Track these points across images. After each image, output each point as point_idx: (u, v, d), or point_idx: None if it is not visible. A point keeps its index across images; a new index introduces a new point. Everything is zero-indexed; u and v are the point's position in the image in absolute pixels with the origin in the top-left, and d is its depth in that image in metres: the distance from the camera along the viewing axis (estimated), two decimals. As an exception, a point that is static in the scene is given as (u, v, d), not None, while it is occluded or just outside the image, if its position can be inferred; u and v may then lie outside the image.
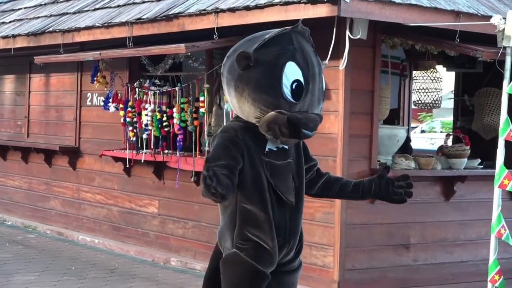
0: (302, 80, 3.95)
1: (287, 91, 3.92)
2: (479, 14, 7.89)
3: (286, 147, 4.11)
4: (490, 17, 7.28)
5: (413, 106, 10.94)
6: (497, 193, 7.23)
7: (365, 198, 4.45)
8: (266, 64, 3.93)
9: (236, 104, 4.03)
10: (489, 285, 7.25)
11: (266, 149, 4.04)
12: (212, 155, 3.92)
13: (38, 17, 11.70)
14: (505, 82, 7.19)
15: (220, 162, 3.82)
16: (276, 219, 4.01)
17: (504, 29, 7.11)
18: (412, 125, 34.10)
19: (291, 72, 3.94)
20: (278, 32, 4.01)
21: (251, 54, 3.92)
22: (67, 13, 11.14)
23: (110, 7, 10.29)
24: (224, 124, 8.52)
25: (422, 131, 34.96)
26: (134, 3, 9.87)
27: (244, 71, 3.94)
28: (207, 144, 8.74)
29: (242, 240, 3.97)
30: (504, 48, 7.15)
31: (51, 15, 11.46)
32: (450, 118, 19.77)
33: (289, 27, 4.06)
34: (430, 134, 31.22)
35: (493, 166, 7.33)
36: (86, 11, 10.72)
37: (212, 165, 3.72)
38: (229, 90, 4.06)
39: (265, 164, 4.01)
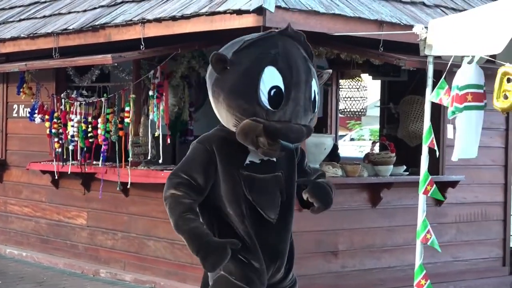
0: (282, 86, 3.67)
1: (264, 97, 3.65)
2: (402, 24, 7.99)
3: (274, 159, 3.82)
4: (413, 26, 7.40)
5: (340, 115, 11.04)
6: (421, 199, 7.32)
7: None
8: (243, 68, 3.68)
9: (216, 110, 3.79)
10: (415, 290, 7.35)
11: (247, 162, 3.77)
12: (180, 167, 3.75)
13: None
14: (428, 90, 7.30)
15: (182, 180, 3.68)
16: (260, 236, 3.77)
17: (426, 38, 7.22)
18: (341, 133, 34.54)
19: (270, 78, 3.66)
20: (262, 35, 3.77)
21: (227, 56, 3.67)
22: (-10, 24, 10.97)
23: (36, 18, 10.15)
24: (150, 134, 8.57)
25: (352, 139, 35.30)
26: (60, 14, 9.76)
27: (220, 74, 3.69)
28: (131, 155, 8.71)
29: (229, 261, 3.69)
30: (426, 56, 7.28)
31: (-26, 26, 11.26)
32: (378, 126, 20.07)
33: (276, 30, 3.81)
34: (359, 142, 31.55)
35: (418, 173, 7.42)
36: (11, 21, 10.56)
37: (174, 187, 3.66)
38: (210, 95, 3.82)
39: (244, 178, 3.73)
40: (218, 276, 3.78)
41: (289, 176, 3.90)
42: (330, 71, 3.94)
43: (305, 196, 3.86)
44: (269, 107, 3.65)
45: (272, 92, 3.65)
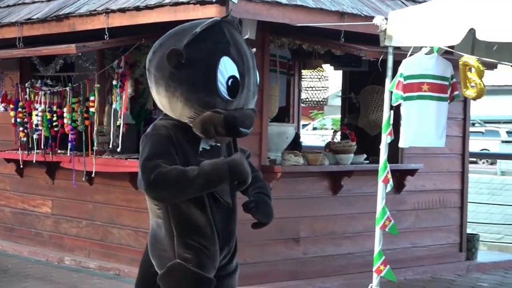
0: (237, 75, 3.68)
1: (223, 88, 3.64)
2: (363, 15, 8.05)
3: (219, 144, 3.85)
4: (373, 17, 7.45)
5: (302, 104, 11.09)
6: (381, 187, 7.40)
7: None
8: (200, 62, 3.64)
9: (166, 104, 3.73)
10: (375, 275, 7.42)
11: (200, 149, 3.78)
12: (149, 154, 3.64)
13: None
14: (387, 80, 7.37)
15: (159, 161, 3.60)
16: (216, 222, 3.78)
17: (386, 29, 7.28)
18: (304, 122, 34.67)
19: (226, 68, 3.66)
20: (208, 24, 3.70)
21: (183, 50, 3.63)
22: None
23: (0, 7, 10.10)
24: (114, 123, 8.55)
25: (314, 128, 35.47)
26: (24, 3, 9.69)
27: (175, 69, 3.64)
28: (96, 144, 8.70)
29: (185, 249, 3.73)
30: (386, 47, 7.34)
31: None
32: (340, 115, 20.18)
33: (218, 17, 3.78)
34: (322, 131, 31.72)
35: (378, 161, 7.49)
36: (-26, 12, 10.47)
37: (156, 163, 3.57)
38: (157, 88, 3.74)
39: (194, 164, 3.68)
40: (173, 264, 3.76)
41: None
42: (254, 49, 3.92)
43: (246, 209, 3.84)
44: (228, 97, 3.68)
45: (229, 82, 3.66)
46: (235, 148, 3.85)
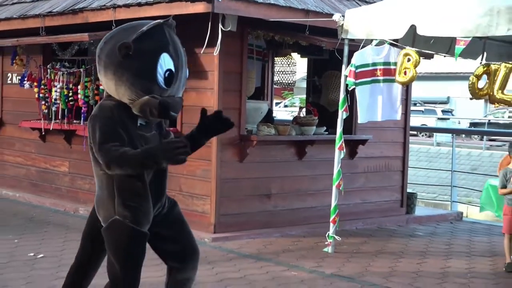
0: (173, 69, 3.75)
1: (160, 78, 3.69)
2: (324, 12, 8.01)
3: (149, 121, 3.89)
4: (332, 15, 7.45)
5: (275, 86, 11.05)
6: (337, 153, 7.44)
7: (201, 144, 3.85)
8: (144, 55, 3.69)
9: (112, 86, 3.76)
10: (331, 224, 7.49)
11: (138, 124, 3.81)
12: (102, 139, 3.64)
13: (-36, 10, 11.20)
14: (344, 66, 7.38)
15: (110, 145, 3.61)
16: (152, 183, 3.83)
17: (343, 24, 7.28)
18: (277, 101, 34.58)
19: (165, 62, 3.70)
20: (152, 24, 3.77)
21: (131, 44, 3.67)
22: (-12, 6, 10.74)
23: (26, 2, 9.99)
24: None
25: (285, 106, 35.48)
26: (46, -1, 9.62)
27: (124, 59, 3.68)
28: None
29: (124, 207, 3.76)
30: (343, 39, 7.34)
31: (-25, 8, 11.01)
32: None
33: (161, 20, 3.82)
34: (291, 108, 31.70)
35: (335, 133, 7.52)
36: (5, 5, 10.37)
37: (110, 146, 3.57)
38: (106, 72, 3.77)
39: (139, 137, 3.78)
40: (113, 220, 3.79)
41: (160, 133, 3.97)
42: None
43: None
44: (164, 86, 3.73)
45: (166, 74, 3.72)
46: (163, 128, 3.98)
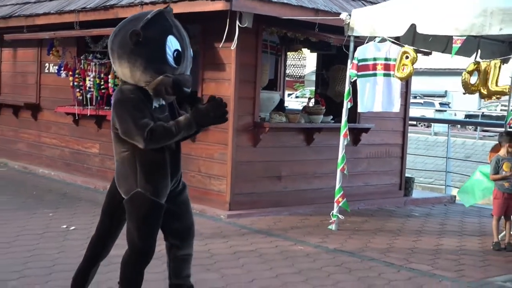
0: (180, 49, 3.75)
1: (170, 59, 3.69)
2: (332, 11, 7.97)
3: (164, 103, 3.87)
4: (340, 13, 7.41)
5: (287, 78, 11.02)
6: (341, 140, 7.42)
7: (195, 133, 3.85)
8: (153, 39, 3.69)
9: (128, 73, 3.72)
10: (335, 205, 7.48)
11: (153, 107, 3.80)
12: (134, 117, 3.62)
13: (6, 5, 11.27)
14: (349, 61, 7.35)
15: (145, 120, 3.60)
16: (169, 162, 3.85)
17: (349, 22, 7.24)
18: (289, 92, 34.49)
19: (172, 44, 3.71)
20: (155, 12, 3.76)
21: (141, 31, 3.67)
22: (29, 2, 10.79)
23: (62, -1, 10.04)
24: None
25: (297, 97, 35.42)
26: (80, -4, 9.63)
27: (135, 46, 3.67)
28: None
29: (145, 182, 3.77)
30: (349, 36, 7.30)
31: (17, 3, 11.06)
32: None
33: (161, 8, 3.83)
34: (302, 99, 31.65)
35: (340, 121, 7.49)
36: (44, 1, 10.41)
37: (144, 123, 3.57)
38: (120, 61, 3.75)
39: (155, 118, 3.75)
40: (135, 192, 3.79)
41: (172, 116, 3.93)
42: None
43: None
44: (174, 65, 3.72)
45: (175, 54, 3.72)
46: (175, 110, 3.93)
